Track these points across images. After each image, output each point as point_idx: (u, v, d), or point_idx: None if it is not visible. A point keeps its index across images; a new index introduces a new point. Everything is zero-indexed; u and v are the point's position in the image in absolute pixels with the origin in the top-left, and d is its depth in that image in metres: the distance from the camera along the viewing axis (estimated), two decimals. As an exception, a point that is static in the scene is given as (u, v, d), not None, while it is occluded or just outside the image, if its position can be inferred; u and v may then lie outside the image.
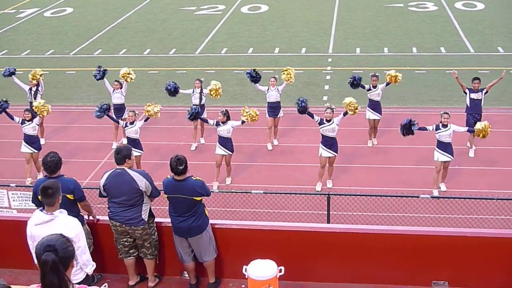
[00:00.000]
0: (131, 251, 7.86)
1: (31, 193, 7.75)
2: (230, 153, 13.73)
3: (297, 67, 22.28)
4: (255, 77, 15.43)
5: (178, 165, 7.38)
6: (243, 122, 13.48)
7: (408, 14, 28.83)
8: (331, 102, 18.17)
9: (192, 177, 7.52)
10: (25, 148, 14.18)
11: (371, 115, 15.34)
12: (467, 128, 13.43)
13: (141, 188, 7.44)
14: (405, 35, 25.60)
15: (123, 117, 15.94)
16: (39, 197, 7.08)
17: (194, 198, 7.44)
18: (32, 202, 7.67)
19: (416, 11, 29.28)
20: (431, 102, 18.61)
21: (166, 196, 7.62)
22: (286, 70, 15.53)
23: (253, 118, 13.33)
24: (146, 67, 23.13)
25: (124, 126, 13.99)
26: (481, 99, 14.71)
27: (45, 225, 5.95)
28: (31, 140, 14.14)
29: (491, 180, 13.89)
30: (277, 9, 30.74)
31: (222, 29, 28.00)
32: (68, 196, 7.23)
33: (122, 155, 7.53)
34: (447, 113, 13.00)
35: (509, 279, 7.38)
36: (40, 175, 14.18)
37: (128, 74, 15.81)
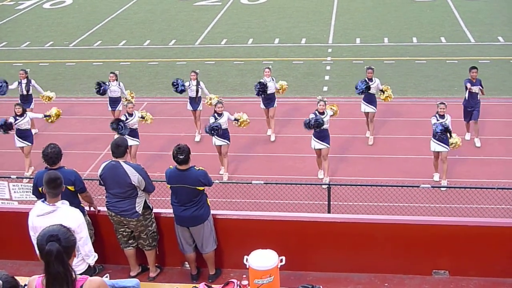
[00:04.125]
0: (130, 241, 7.87)
1: (32, 185, 7.75)
2: (228, 142, 13.78)
3: (297, 57, 22.31)
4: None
5: (179, 154, 7.38)
6: (235, 120, 13.86)
7: (408, 4, 28.74)
8: (331, 93, 18.24)
9: (195, 167, 7.53)
10: (19, 143, 14.19)
11: (366, 107, 15.23)
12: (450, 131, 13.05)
13: (133, 183, 7.41)
14: (405, 25, 25.53)
15: (117, 109, 16.06)
16: (40, 188, 7.11)
17: (197, 187, 7.45)
18: (33, 194, 7.67)
19: (417, 1, 29.18)
20: (432, 92, 18.58)
21: (169, 186, 7.61)
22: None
23: (245, 124, 14.00)
24: (146, 58, 23.10)
25: (125, 118, 13.98)
26: (478, 93, 14.65)
27: (47, 216, 5.95)
28: (25, 134, 14.12)
29: (491, 169, 13.90)
30: (277, 0, 30.64)
31: (221, 20, 27.93)
32: (69, 187, 7.22)
33: (123, 149, 7.52)
34: (443, 103, 12.95)
35: (509, 268, 7.39)
36: (29, 172, 14.14)
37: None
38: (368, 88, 14.85)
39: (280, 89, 15.85)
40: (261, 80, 15.48)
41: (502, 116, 16.58)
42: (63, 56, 24.00)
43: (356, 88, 15.06)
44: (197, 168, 7.53)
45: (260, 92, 15.42)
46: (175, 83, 15.87)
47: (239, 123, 13.95)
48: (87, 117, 17.95)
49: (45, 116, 14.65)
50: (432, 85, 19.10)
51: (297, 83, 19.73)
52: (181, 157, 7.39)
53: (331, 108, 13.59)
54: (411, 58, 21.56)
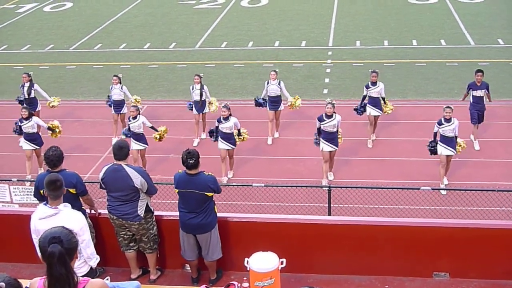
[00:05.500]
0: (131, 244, 7.87)
1: (33, 187, 7.76)
2: (233, 147, 13.82)
3: (297, 60, 22.34)
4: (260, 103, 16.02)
5: (189, 158, 7.35)
6: (238, 131, 13.95)
7: (408, 6, 28.79)
8: (332, 95, 18.24)
9: (204, 172, 7.51)
10: (27, 145, 14.20)
11: (371, 111, 15.26)
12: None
13: (136, 185, 7.41)
14: (405, 28, 25.57)
15: (121, 112, 16.11)
16: (41, 191, 7.11)
17: (206, 193, 7.42)
18: (34, 196, 7.68)
19: (416, 3, 29.23)
20: (432, 94, 18.60)
21: (177, 191, 7.57)
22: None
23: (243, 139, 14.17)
24: (146, 62, 23.12)
25: (128, 121, 13.98)
26: (483, 96, 14.69)
27: (50, 219, 5.96)
28: (32, 137, 14.14)
29: (492, 172, 13.90)
30: (277, 3, 30.68)
31: (222, 22, 27.96)
32: (71, 190, 7.23)
33: (126, 151, 7.53)
34: (450, 107, 12.92)
35: (510, 270, 7.40)
36: (42, 170, 14.21)
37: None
38: (362, 110, 15.34)
39: (292, 105, 15.98)
40: (256, 99, 15.99)
41: (503, 119, 16.59)
42: (64, 59, 24.03)
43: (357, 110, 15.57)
44: (207, 174, 7.51)
45: (262, 106, 15.92)
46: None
47: (241, 137, 14.02)
48: (88, 120, 17.98)
49: (49, 128, 14.52)
50: (432, 88, 19.12)
51: (297, 86, 19.74)
52: (191, 161, 7.36)
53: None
54: (411, 61, 21.58)
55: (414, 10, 28.06)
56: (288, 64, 21.90)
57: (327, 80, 20.30)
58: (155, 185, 7.80)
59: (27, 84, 16.33)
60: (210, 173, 7.56)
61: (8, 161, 15.33)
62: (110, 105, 16.29)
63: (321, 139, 13.46)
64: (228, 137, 13.63)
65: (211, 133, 14.11)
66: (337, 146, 13.48)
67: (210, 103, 15.85)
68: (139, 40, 25.82)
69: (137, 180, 7.40)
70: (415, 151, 14.83)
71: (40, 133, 14.58)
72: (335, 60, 22.11)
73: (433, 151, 13.26)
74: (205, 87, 15.78)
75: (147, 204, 7.65)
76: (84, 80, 21.49)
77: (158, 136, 14.34)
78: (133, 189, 7.42)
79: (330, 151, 13.50)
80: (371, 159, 14.79)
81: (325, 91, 19.27)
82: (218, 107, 15.28)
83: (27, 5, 33.41)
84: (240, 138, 14.02)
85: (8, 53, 25.36)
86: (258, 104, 15.99)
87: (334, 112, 13.21)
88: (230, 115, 13.57)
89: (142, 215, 7.58)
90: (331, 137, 13.34)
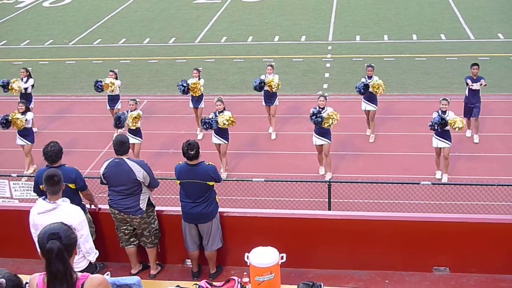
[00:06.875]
0: (131, 240, 7.87)
1: (33, 183, 7.76)
2: (226, 142, 13.72)
3: (297, 55, 22.31)
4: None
5: (189, 149, 7.44)
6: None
7: (408, 1, 28.70)
8: (331, 90, 18.23)
9: (205, 162, 7.60)
10: (20, 141, 14.23)
11: (366, 106, 15.20)
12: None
13: (138, 179, 7.43)
14: (405, 22, 25.52)
15: (116, 107, 16.03)
16: (41, 186, 7.11)
17: (207, 183, 7.51)
18: (34, 191, 7.70)
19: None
20: (432, 89, 18.57)
21: (178, 182, 7.64)
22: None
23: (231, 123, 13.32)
24: (145, 57, 23.09)
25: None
26: (479, 89, 14.67)
27: (48, 214, 5.96)
28: (25, 133, 14.12)
29: (491, 166, 13.90)
30: (277, -3, 30.65)
31: (221, 17, 27.91)
32: (70, 185, 7.24)
33: (127, 145, 7.55)
34: (446, 99, 12.92)
35: (510, 264, 7.41)
36: (30, 170, 14.12)
37: None
38: (367, 87, 14.82)
39: (267, 84, 15.22)
40: (263, 78, 15.43)
41: (502, 113, 16.57)
42: (63, 54, 23.99)
43: (356, 88, 15.03)
44: (207, 163, 7.61)
45: (258, 88, 15.36)
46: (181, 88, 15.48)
47: (227, 123, 13.31)
48: (87, 116, 17.95)
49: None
50: (432, 82, 19.09)
51: (297, 80, 19.73)
52: (192, 152, 7.44)
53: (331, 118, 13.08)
54: (411, 55, 21.55)
55: (414, 5, 27.98)
56: (288, 59, 21.87)
57: (327, 75, 20.27)
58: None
59: (24, 79, 16.33)
60: (210, 163, 7.65)
61: (8, 156, 15.33)
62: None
63: (313, 132, 13.42)
64: (222, 132, 13.56)
65: (205, 123, 13.35)
66: (329, 140, 13.38)
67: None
68: (139, 35, 25.78)
69: (139, 173, 7.43)
70: (415, 146, 14.82)
71: (33, 129, 14.57)
72: (335, 55, 22.08)
73: (440, 123, 12.68)
74: (201, 80, 15.67)
75: (148, 198, 7.67)
76: (83, 75, 21.45)
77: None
78: (136, 182, 7.44)
79: (322, 145, 13.44)
80: (371, 154, 14.77)
81: (325, 86, 19.24)
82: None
83: (27, 0, 33.34)
84: (224, 122, 13.23)
85: (7, 48, 25.33)
86: (259, 87, 15.34)
87: (325, 105, 13.18)
88: (224, 108, 13.53)
89: (144, 209, 7.60)
90: (323, 131, 13.25)
